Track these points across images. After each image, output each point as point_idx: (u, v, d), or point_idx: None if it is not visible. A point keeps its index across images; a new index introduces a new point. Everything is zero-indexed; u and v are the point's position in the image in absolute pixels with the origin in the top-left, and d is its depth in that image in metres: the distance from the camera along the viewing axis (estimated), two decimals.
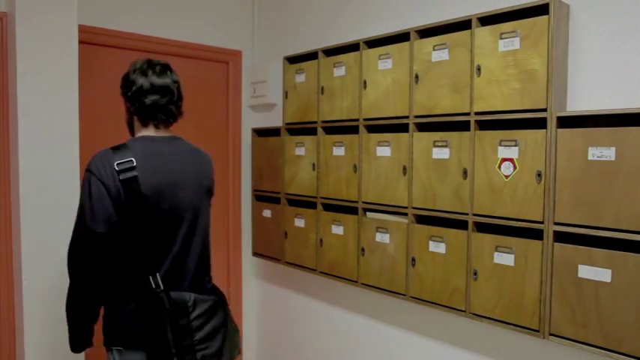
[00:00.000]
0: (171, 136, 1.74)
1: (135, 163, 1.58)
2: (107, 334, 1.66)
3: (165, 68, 1.70)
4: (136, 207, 1.58)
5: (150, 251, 1.61)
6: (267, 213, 2.81)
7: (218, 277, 3.05)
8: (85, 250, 1.56)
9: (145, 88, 1.64)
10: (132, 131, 1.78)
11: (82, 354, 2.16)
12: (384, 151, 2.14)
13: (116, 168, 1.56)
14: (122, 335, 1.63)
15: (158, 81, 1.65)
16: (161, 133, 1.71)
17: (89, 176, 1.57)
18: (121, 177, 1.56)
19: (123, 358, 1.64)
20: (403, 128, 2.08)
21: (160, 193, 1.62)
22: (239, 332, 1.82)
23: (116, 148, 1.62)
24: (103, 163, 1.57)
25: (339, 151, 2.35)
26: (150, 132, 1.70)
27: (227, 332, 1.73)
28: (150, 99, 1.64)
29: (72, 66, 2.10)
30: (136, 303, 1.61)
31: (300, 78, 2.57)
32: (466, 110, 1.85)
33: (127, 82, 1.68)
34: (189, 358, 1.60)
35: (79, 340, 1.68)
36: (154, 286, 1.58)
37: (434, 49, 1.94)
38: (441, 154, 1.92)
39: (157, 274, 1.60)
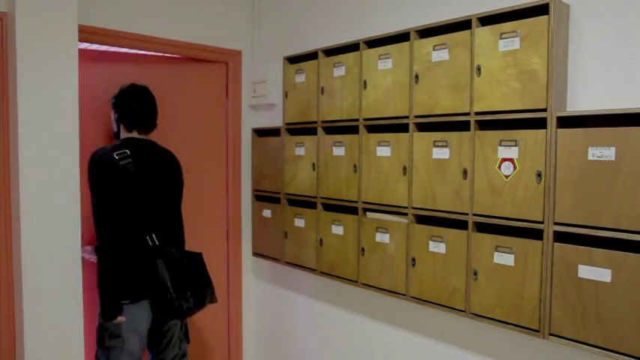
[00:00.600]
0: (149, 139, 2.31)
1: (129, 153, 2.14)
2: (123, 288, 2.08)
3: (147, 91, 2.31)
4: (133, 184, 2.12)
5: (146, 217, 2.16)
6: (267, 213, 2.81)
7: (218, 277, 3.06)
8: (111, 211, 2.05)
9: (128, 103, 2.23)
10: (118, 138, 2.31)
11: (82, 353, 2.16)
12: (384, 151, 2.14)
13: (116, 157, 2.10)
14: (129, 288, 2.08)
15: (141, 101, 2.26)
16: (142, 137, 2.29)
17: (95, 164, 2.08)
18: (120, 163, 2.10)
19: (131, 309, 2.08)
20: (403, 128, 2.08)
21: (150, 176, 2.20)
22: (213, 285, 2.32)
23: (112, 145, 2.17)
24: (105, 154, 2.11)
25: (339, 151, 2.35)
26: (134, 135, 2.26)
27: (207, 279, 2.29)
28: (136, 113, 2.24)
29: (72, 66, 2.10)
30: (139, 259, 2.10)
31: (300, 78, 2.57)
32: (466, 110, 1.85)
33: (118, 100, 2.26)
34: (182, 296, 2.14)
35: (114, 305, 2.04)
36: (151, 243, 2.14)
37: (434, 49, 1.94)
38: (441, 154, 1.92)
39: (153, 234, 2.15)
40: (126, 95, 2.24)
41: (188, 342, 2.39)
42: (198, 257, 2.29)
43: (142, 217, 2.14)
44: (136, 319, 2.10)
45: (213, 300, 2.29)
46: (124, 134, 2.26)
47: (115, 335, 2.06)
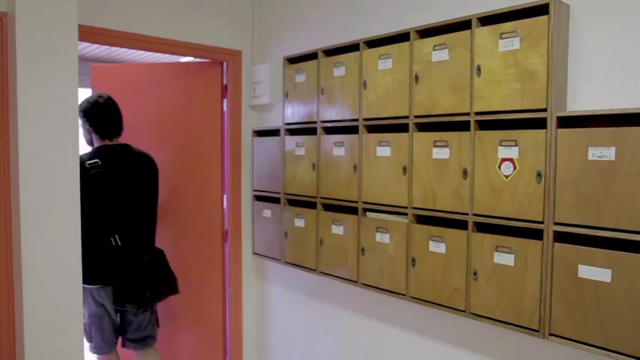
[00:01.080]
0: (122, 144, 2.62)
1: (100, 163, 2.47)
2: (89, 276, 2.44)
3: (112, 100, 2.59)
4: (100, 192, 2.44)
5: (110, 220, 2.49)
6: (267, 213, 2.81)
7: (217, 277, 3.06)
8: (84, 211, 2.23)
9: (101, 115, 2.53)
10: (92, 145, 2.59)
11: (82, 353, 2.16)
12: (384, 151, 2.14)
13: (87, 167, 2.42)
14: (99, 276, 2.49)
15: (108, 110, 2.56)
16: (114, 143, 2.59)
17: None
18: (91, 173, 2.43)
19: (99, 291, 2.53)
20: (403, 128, 2.08)
21: (118, 182, 2.50)
22: (176, 278, 2.69)
23: (87, 154, 2.50)
24: (79, 164, 2.30)
25: (339, 151, 2.35)
26: (107, 142, 2.57)
27: (167, 273, 2.62)
28: (105, 121, 2.54)
29: (72, 66, 2.10)
30: (104, 255, 2.48)
31: (300, 78, 2.57)
32: (466, 110, 1.85)
33: (87, 112, 2.53)
34: (140, 288, 2.47)
35: None
36: (114, 243, 2.49)
37: (434, 49, 1.94)
38: (441, 154, 1.93)
39: (116, 235, 2.50)
40: (96, 108, 2.53)
41: (158, 326, 2.78)
42: (159, 254, 2.62)
43: (107, 221, 2.49)
44: (104, 300, 2.54)
45: (172, 292, 2.65)
46: (97, 142, 2.56)
47: (91, 314, 2.55)
